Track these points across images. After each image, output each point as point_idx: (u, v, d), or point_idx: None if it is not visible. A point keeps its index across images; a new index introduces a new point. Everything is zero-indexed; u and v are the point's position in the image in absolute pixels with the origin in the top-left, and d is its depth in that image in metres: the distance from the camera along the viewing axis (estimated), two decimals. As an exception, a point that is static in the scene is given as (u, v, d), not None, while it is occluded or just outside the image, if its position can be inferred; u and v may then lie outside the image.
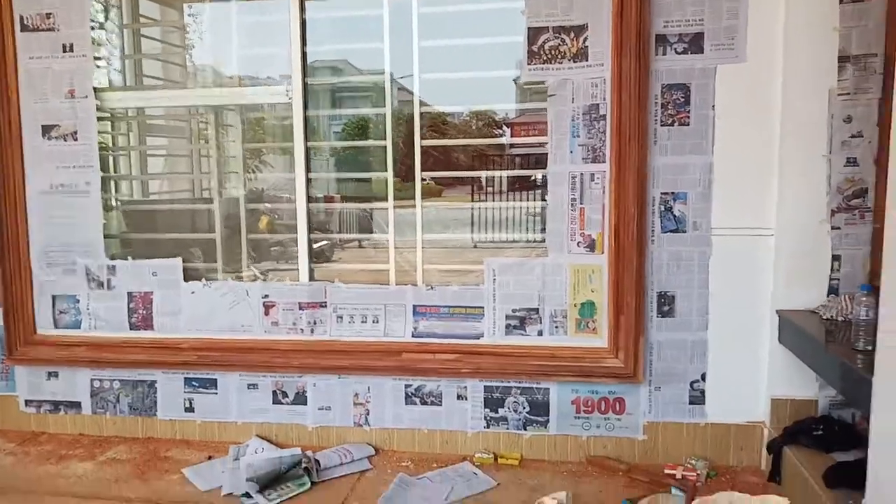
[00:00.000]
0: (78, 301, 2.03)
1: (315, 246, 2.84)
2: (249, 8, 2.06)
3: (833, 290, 1.66)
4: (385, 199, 1.97)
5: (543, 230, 1.83)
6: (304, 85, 1.89)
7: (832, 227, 1.64)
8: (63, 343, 2.01)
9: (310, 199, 1.95)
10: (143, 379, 2.03)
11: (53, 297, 2.04)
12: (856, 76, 1.60)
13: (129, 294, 2.00)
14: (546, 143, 1.79)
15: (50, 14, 1.94)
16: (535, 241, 1.97)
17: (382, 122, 1.99)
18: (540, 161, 1.84)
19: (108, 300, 2.01)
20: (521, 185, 3.56)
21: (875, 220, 1.62)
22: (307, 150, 1.92)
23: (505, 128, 2.15)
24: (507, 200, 3.97)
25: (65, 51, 1.95)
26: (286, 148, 1.97)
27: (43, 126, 1.98)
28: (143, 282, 2.00)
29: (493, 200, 3.73)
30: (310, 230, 1.95)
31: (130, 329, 2.01)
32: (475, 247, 3.12)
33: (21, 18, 1.94)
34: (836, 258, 1.66)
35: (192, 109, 2.27)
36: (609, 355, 1.77)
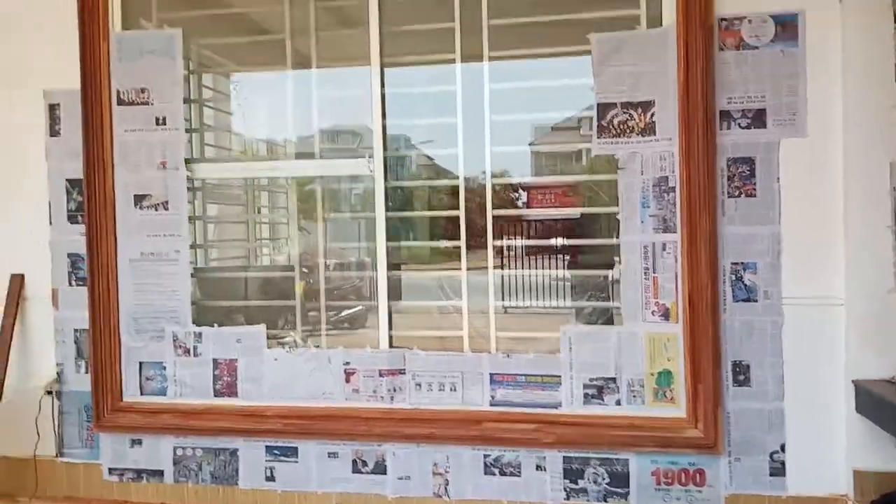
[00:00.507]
0: (164, 368, 3.79)
1: (346, 313, 4.69)
2: (328, 80, 3.83)
3: (907, 359, 3.05)
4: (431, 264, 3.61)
5: (573, 294, 3.40)
6: (385, 158, 3.60)
7: (902, 297, 3.05)
8: (149, 410, 3.76)
9: (390, 267, 3.63)
10: (224, 447, 3.74)
11: (140, 364, 3.82)
12: (916, 150, 3.02)
13: (215, 361, 3.77)
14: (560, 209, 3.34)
15: (144, 89, 3.77)
16: (562, 308, 3.58)
17: (426, 193, 3.66)
18: (566, 226, 3.42)
19: (193, 367, 3.75)
20: (539, 250, 5.40)
21: (944, 290, 3.03)
22: (387, 219, 3.62)
23: (521, 191, 3.43)
24: (530, 266, 5.76)
25: (157, 124, 3.76)
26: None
27: (135, 196, 3.76)
28: (228, 348, 3.74)
29: (515, 266, 5.41)
30: (389, 297, 3.64)
31: (215, 396, 3.73)
32: (506, 312, 4.47)
33: (118, 93, 3.80)
34: (907, 327, 3.03)
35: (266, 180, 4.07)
36: (688, 425, 3.18)
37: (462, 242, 3.50)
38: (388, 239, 3.56)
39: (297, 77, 3.76)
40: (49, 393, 3.80)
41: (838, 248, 3.08)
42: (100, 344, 3.73)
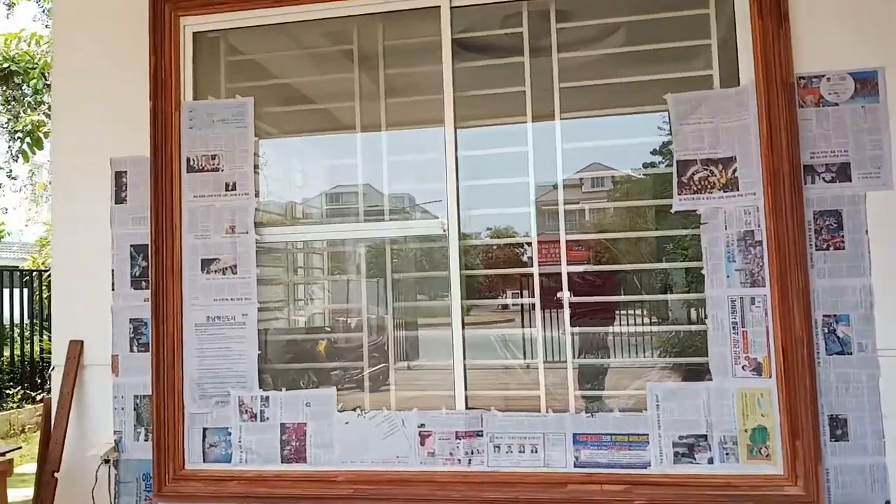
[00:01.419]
0: (230, 433, 2.81)
1: (369, 370, 3.65)
2: (401, 143, 2.96)
3: None
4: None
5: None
6: (458, 217, 2.71)
7: None
8: (213, 478, 2.77)
9: (464, 326, 2.71)
10: (290, 515, 2.74)
11: (204, 430, 2.82)
12: None
13: (283, 426, 2.77)
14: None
15: (215, 156, 2.87)
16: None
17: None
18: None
19: (260, 432, 2.79)
20: (546, 305, 4.20)
21: None
22: (461, 277, 2.71)
23: (527, 246, 2.79)
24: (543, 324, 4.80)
25: (227, 189, 2.86)
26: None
27: (202, 260, 2.86)
28: (297, 412, 2.76)
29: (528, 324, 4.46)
30: (464, 356, 2.70)
31: (282, 462, 2.76)
32: (528, 367, 3.64)
33: (188, 160, 2.88)
34: None
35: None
36: (787, 482, 2.41)
37: (537, 300, 2.64)
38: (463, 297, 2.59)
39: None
40: (106, 462, 2.90)
41: (932, 298, 2.32)
42: (163, 410, 2.87)
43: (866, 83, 2.45)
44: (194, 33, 2.96)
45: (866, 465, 2.40)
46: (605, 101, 2.93)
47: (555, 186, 2.82)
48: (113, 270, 2.92)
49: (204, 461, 2.82)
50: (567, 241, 2.75)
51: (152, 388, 2.81)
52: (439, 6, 2.78)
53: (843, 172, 2.46)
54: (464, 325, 2.73)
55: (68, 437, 2.87)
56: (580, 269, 2.77)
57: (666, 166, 2.68)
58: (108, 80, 2.99)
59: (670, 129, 2.62)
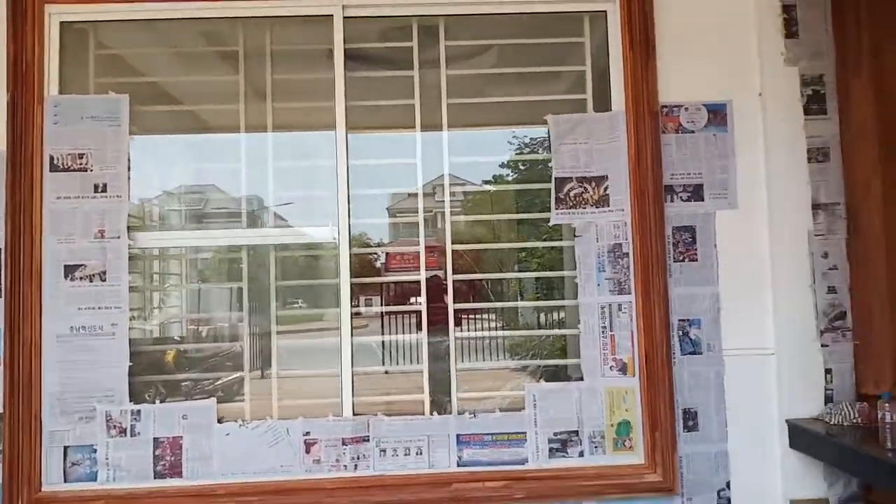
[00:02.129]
0: (95, 450, 2.61)
1: (220, 381, 3.62)
2: (286, 147, 2.90)
3: (829, 400, 2.66)
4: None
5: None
6: (349, 224, 2.72)
7: (822, 345, 2.67)
8: (77, 499, 2.57)
9: (353, 333, 2.72)
10: (166, 533, 2.60)
11: (66, 448, 2.61)
12: (827, 220, 2.70)
13: (156, 440, 2.62)
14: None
15: (83, 154, 2.67)
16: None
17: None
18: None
19: (130, 448, 2.62)
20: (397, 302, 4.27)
21: (854, 338, 2.67)
22: (351, 286, 2.72)
23: (380, 253, 2.88)
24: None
25: (97, 191, 2.67)
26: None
27: (66, 266, 2.64)
28: (172, 426, 2.63)
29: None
30: (353, 364, 2.71)
31: (156, 478, 2.61)
32: (386, 373, 3.72)
33: (51, 158, 2.66)
34: (828, 371, 2.68)
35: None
36: (648, 471, 2.64)
37: (423, 307, 2.72)
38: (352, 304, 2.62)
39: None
40: None
41: (768, 304, 2.74)
42: (16, 428, 2.61)
43: (717, 114, 2.75)
44: (61, 23, 2.72)
45: (712, 452, 2.67)
46: (483, 117, 3.09)
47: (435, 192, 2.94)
48: (-43, 276, 2.64)
49: (65, 481, 2.59)
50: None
51: (4, 405, 2.52)
52: (332, 15, 2.79)
53: (697, 193, 2.73)
54: (352, 332, 2.74)
55: None
56: (470, 277, 2.89)
57: (513, 180, 2.86)
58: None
59: (549, 148, 2.81)
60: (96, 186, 2.68)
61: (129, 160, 2.71)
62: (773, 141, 2.72)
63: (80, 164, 2.67)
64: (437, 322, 2.89)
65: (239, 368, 3.92)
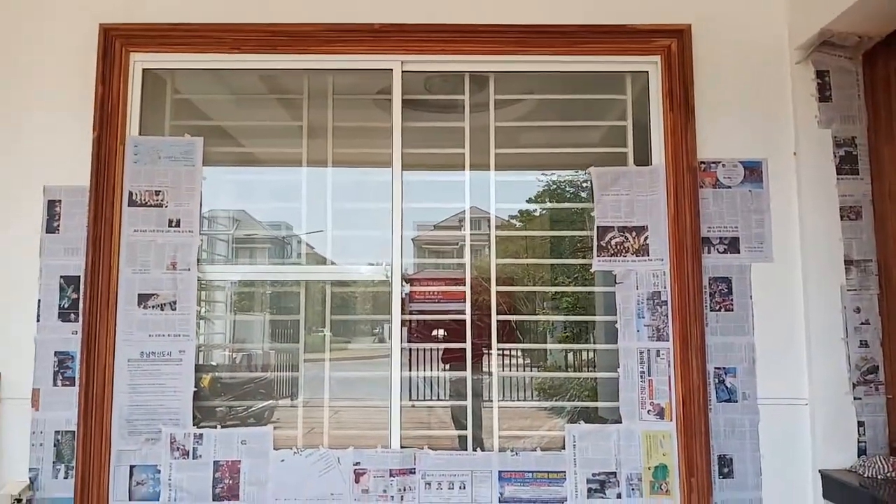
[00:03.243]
0: (159, 471, 2.79)
1: (253, 409, 3.78)
2: (344, 190, 3.12)
3: (862, 451, 2.75)
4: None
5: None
6: (402, 262, 2.92)
7: (855, 398, 2.77)
8: (140, 517, 2.74)
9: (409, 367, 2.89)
10: (219, 554, 2.76)
11: (132, 468, 2.79)
12: (859, 276, 2.83)
13: (216, 463, 2.80)
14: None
15: (159, 192, 2.91)
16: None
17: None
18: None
19: (191, 470, 2.79)
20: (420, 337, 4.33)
21: (887, 392, 2.77)
22: (401, 321, 2.90)
23: (405, 283, 3.01)
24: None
25: (171, 225, 2.90)
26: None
27: (140, 294, 2.86)
28: (231, 450, 2.81)
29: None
30: (401, 397, 2.88)
31: (214, 500, 2.78)
32: (413, 406, 3.86)
33: (130, 194, 2.90)
34: (860, 424, 2.77)
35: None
36: (682, 515, 2.75)
37: (468, 343, 2.87)
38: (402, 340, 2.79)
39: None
40: (18, 501, 2.69)
41: (802, 355, 2.87)
42: (88, 447, 2.81)
43: (753, 171, 2.92)
44: (143, 70, 3.01)
45: (747, 499, 2.77)
46: (522, 160, 3.30)
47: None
48: (39, 301, 2.85)
49: (130, 500, 2.77)
50: (444, 281, 3.05)
51: (78, 424, 2.74)
52: (392, 68, 3.03)
53: (733, 245, 2.88)
54: (402, 366, 2.92)
55: (-23, 475, 2.76)
56: (514, 317, 3.05)
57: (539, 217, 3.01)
58: (47, 107, 2.93)
59: (592, 198, 2.99)
60: (170, 221, 2.91)
61: (201, 198, 2.94)
62: (807, 198, 2.86)
63: (157, 200, 2.91)
64: (457, 359, 3.07)
65: (270, 396, 4.13)
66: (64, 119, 2.93)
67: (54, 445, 2.80)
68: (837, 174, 2.86)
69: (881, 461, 2.66)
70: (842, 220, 2.85)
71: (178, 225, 2.91)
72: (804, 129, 2.90)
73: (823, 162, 2.87)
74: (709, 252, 2.88)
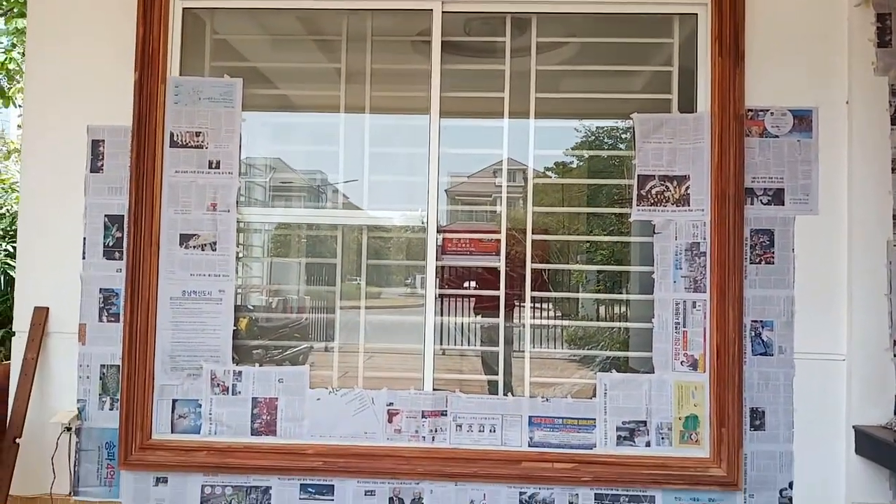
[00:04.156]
0: (200, 405, 2.91)
1: (290, 352, 3.85)
2: (381, 135, 3.12)
3: (898, 409, 2.74)
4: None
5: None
6: (437, 209, 2.93)
7: (894, 355, 2.74)
8: (183, 448, 2.87)
9: (435, 313, 2.93)
10: (257, 485, 2.89)
11: (174, 402, 2.92)
12: (907, 232, 2.76)
13: (254, 399, 2.91)
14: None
15: (200, 133, 2.95)
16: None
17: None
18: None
19: (231, 405, 2.91)
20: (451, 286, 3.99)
21: (928, 350, 2.74)
22: (436, 268, 2.93)
23: (439, 234, 2.98)
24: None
25: (210, 167, 2.95)
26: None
27: (181, 235, 2.93)
28: (269, 388, 2.91)
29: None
30: (434, 341, 2.93)
31: (252, 434, 2.90)
32: (444, 353, 3.80)
33: (171, 135, 2.95)
34: (899, 381, 2.75)
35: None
36: (713, 465, 2.77)
37: (502, 292, 2.88)
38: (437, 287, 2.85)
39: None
40: (68, 429, 2.87)
41: (842, 311, 2.83)
42: (132, 380, 2.93)
43: (803, 120, 2.83)
44: (184, 9, 3.01)
45: (777, 451, 2.79)
46: (563, 107, 3.24)
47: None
48: (85, 239, 2.95)
49: (172, 432, 2.90)
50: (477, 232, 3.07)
51: (123, 358, 2.86)
52: (431, 9, 2.98)
53: (777, 197, 2.83)
54: (434, 312, 2.96)
55: (32, 404, 2.88)
56: (547, 266, 3.06)
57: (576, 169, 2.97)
58: (89, 47, 2.97)
59: (633, 147, 2.95)
60: (210, 163, 2.96)
61: (240, 139, 2.97)
62: (858, 149, 2.79)
63: (197, 141, 2.96)
64: (490, 308, 3.10)
65: (305, 339, 4.22)
66: (106, 59, 2.97)
67: (100, 378, 2.93)
68: (892, 124, 2.78)
69: (917, 418, 2.65)
70: (892, 172, 2.78)
71: (217, 166, 2.95)
72: (859, 76, 2.81)
73: (877, 111, 2.79)
74: (752, 203, 2.83)
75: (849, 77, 2.82)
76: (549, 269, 3.27)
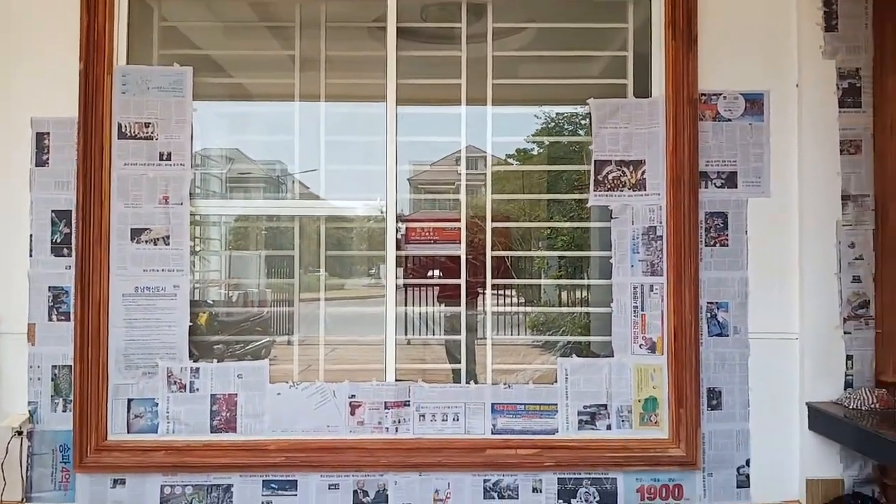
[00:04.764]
0: (156, 404, 2.86)
1: (251, 346, 3.85)
2: (338, 124, 3.08)
3: (848, 385, 2.82)
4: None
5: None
6: (396, 198, 2.91)
7: (844, 332, 2.83)
8: (140, 448, 2.81)
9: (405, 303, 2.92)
10: (218, 483, 2.85)
11: (129, 401, 2.86)
12: (855, 211, 2.84)
13: (213, 396, 2.86)
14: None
15: (149, 123, 2.87)
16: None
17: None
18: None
19: (189, 403, 2.86)
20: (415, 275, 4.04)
21: (876, 327, 2.82)
22: (396, 258, 2.92)
23: (401, 224, 2.95)
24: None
25: (161, 159, 2.88)
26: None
27: (132, 229, 2.86)
28: (228, 384, 2.87)
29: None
30: (396, 332, 2.92)
31: (212, 432, 2.85)
32: (409, 343, 3.85)
33: (119, 126, 2.86)
34: (849, 358, 2.83)
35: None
36: (672, 445, 2.83)
37: (462, 280, 2.89)
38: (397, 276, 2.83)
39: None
40: (19, 433, 2.75)
41: (794, 291, 2.90)
42: (85, 380, 2.85)
43: (755, 103, 2.88)
44: (129, -5, 2.93)
45: (734, 430, 2.85)
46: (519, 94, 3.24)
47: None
48: (31, 236, 2.85)
49: (128, 432, 2.83)
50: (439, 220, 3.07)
51: (75, 358, 2.78)
52: (386, -5, 2.95)
53: (730, 180, 2.87)
54: (396, 302, 2.95)
55: (-23, 407, 2.82)
56: (508, 254, 3.07)
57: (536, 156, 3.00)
58: (32, 36, 2.86)
59: (588, 133, 2.97)
60: (161, 154, 2.88)
61: (192, 130, 2.91)
62: (808, 131, 2.85)
63: (147, 132, 2.88)
64: (454, 296, 3.10)
65: (266, 333, 4.18)
66: (50, 48, 2.87)
67: (52, 379, 2.85)
68: (839, 107, 2.85)
69: (866, 393, 2.73)
70: (841, 154, 2.85)
71: (168, 158, 2.88)
72: (808, 60, 2.87)
73: (826, 94, 2.85)
74: (706, 186, 2.88)
75: (798, 61, 2.88)
76: (510, 256, 3.26)
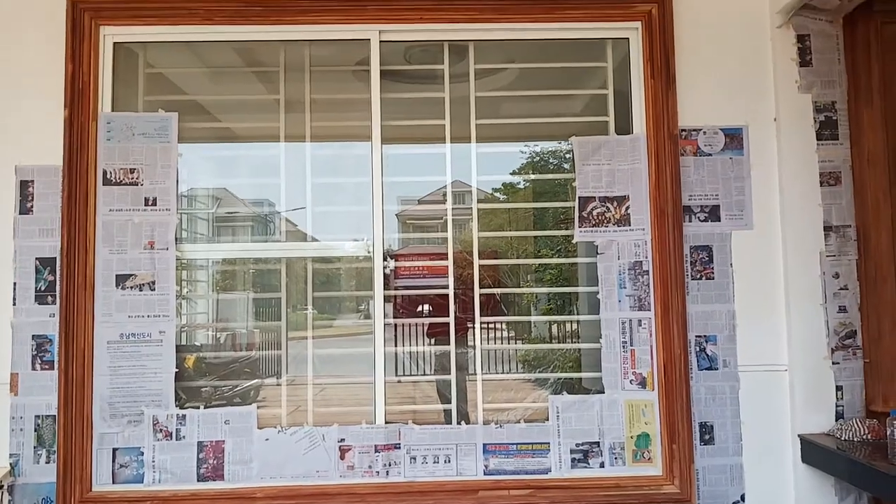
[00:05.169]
0: (142, 453, 2.81)
1: (239, 388, 3.82)
2: (324, 164, 3.10)
3: (839, 415, 2.82)
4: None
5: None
6: (383, 239, 2.92)
7: (833, 363, 2.83)
8: (125, 499, 2.76)
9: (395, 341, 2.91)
10: (206, 532, 2.79)
11: (114, 451, 2.81)
12: (838, 242, 2.87)
13: (200, 444, 2.82)
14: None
15: (134, 169, 2.88)
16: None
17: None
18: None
19: (175, 451, 2.81)
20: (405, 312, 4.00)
21: (864, 356, 2.83)
22: (384, 297, 2.91)
23: (390, 259, 2.97)
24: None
25: (147, 204, 2.88)
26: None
27: (118, 275, 2.85)
28: (215, 430, 2.83)
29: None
30: (386, 373, 2.90)
31: (199, 480, 2.80)
32: (399, 381, 3.71)
33: (104, 172, 2.87)
34: (839, 388, 2.83)
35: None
36: (666, 482, 2.80)
37: (451, 317, 2.88)
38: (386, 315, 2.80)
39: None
40: (0, 487, 2.63)
41: (781, 322, 2.92)
42: (70, 431, 2.81)
43: (734, 138, 2.93)
44: (115, 43, 2.95)
45: (728, 465, 2.83)
46: (503, 131, 3.29)
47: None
48: (15, 284, 2.83)
49: (113, 482, 2.78)
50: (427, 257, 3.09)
51: (59, 408, 2.74)
52: (369, 39, 3.00)
53: (714, 213, 2.91)
54: (385, 341, 2.94)
55: (-42, 461, 2.76)
56: (497, 291, 3.08)
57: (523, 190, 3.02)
58: (16, 84, 2.88)
59: (563, 160, 3.01)
60: (146, 200, 2.89)
61: (177, 175, 2.91)
62: (787, 164, 2.89)
63: (132, 178, 2.89)
64: (443, 333, 3.07)
65: (255, 375, 4.14)
66: (34, 96, 2.88)
67: (35, 430, 2.80)
68: (817, 139, 2.90)
69: (857, 424, 2.73)
70: (821, 185, 2.89)
71: (154, 203, 2.89)
72: (785, 94, 2.92)
73: (804, 127, 2.90)
74: (690, 220, 2.91)
75: (776, 95, 2.94)
76: (498, 293, 3.27)
